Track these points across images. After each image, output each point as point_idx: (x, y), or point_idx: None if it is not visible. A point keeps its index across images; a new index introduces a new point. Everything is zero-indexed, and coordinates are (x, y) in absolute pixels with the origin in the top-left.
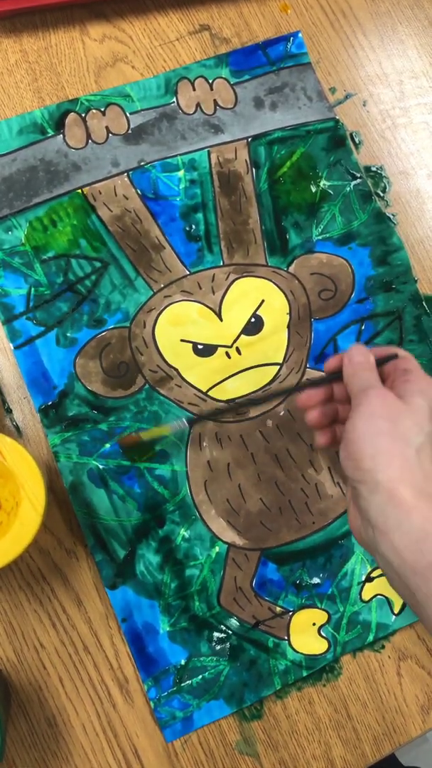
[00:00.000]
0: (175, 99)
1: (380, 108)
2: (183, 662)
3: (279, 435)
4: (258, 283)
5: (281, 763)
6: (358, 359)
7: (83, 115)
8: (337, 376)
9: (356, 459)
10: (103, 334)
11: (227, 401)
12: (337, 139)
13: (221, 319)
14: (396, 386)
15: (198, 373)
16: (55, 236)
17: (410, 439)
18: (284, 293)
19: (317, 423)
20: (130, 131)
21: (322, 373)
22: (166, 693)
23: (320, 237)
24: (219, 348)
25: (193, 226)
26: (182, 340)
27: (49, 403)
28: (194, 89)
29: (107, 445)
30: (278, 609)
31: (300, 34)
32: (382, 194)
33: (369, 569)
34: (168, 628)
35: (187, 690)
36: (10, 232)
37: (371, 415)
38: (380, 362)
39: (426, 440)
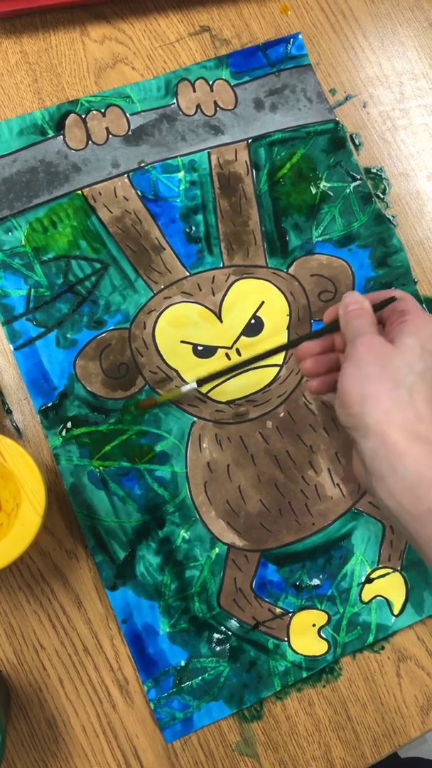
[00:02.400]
0: (175, 100)
1: (380, 109)
2: (183, 663)
3: (279, 436)
4: (258, 284)
5: (281, 763)
6: (352, 307)
7: (83, 116)
8: (336, 326)
9: (346, 405)
10: (103, 335)
11: (227, 402)
12: (337, 141)
13: (221, 321)
14: (392, 329)
15: (198, 374)
16: (55, 237)
17: (399, 379)
18: (284, 294)
19: (310, 371)
20: (130, 132)
21: None
22: (166, 694)
23: (320, 238)
24: (219, 349)
25: (193, 228)
26: (182, 342)
27: (49, 404)
28: (194, 90)
29: (107, 447)
30: (278, 610)
31: (300, 36)
32: (382, 196)
33: (369, 570)
34: (168, 629)
35: (187, 691)
36: (10, 233)
37: (359, 360)
38: (378, 307)
39: (418, 379)
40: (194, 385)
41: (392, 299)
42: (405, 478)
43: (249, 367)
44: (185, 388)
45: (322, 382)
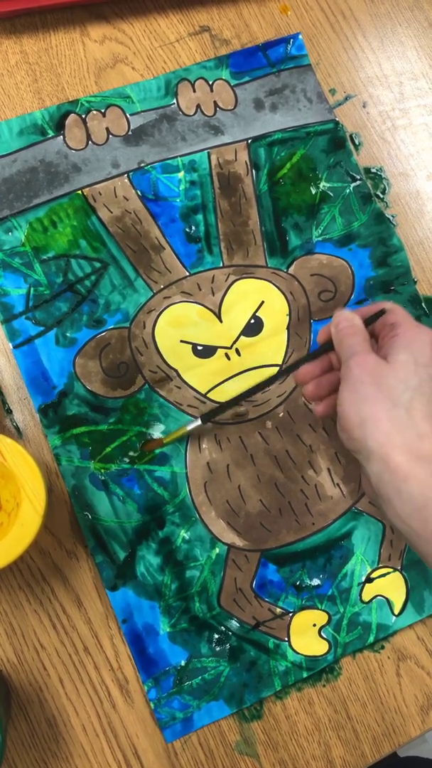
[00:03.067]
0: (175, 100)
1: (380, 109)
2: (183, 663)
3: (278, 436)
4: (258, 284)
5: (281, 763)
6: (343, 325)
7: (83, 116)
8: (330, 345)
9: (347, 429)
10: (103, 334)
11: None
12: (337, 141)
13: (221, 321)
14: (384, 344)
15: (197, 374)
16: (55, 237)
17: (396, 398)
18: (284, 294)
19: (312, 395)
20: (130, 132)
21: None
22: (166, 694)
23: (320, 238)
24: (219, 349)
25: (193, 227)
26: (182, 341)
27: (49, 402)
28: (194, 91)
29: (108, 449)
30: (278, 610)
31: (300, 36)
32: (381, 195)
33: (369, 570)
34: (168, 629)
35: (188, 691)
36: (10, 233)
37: (354, 383)
38: (369, 321)
39: (414, 395)
40: (198, 422)
41: (382, 312)
42: (410, 501)
43: (248, 369)
44: (190, 426)
45: (328, 405)
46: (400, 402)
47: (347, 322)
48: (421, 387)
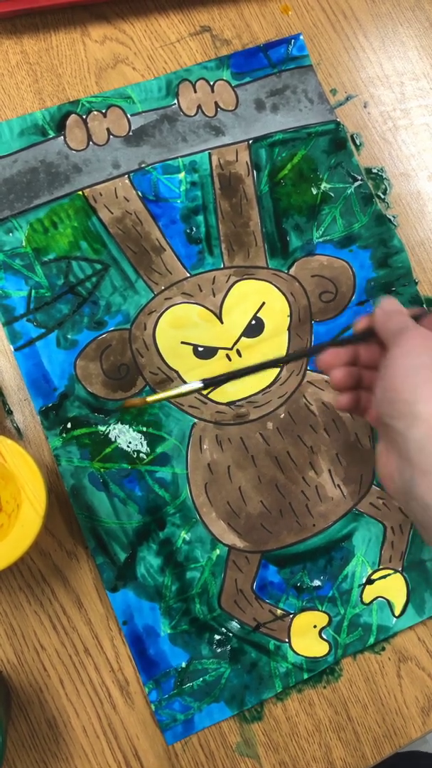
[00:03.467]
0: (176, 101)
1: (381, 110)
2: (184, 665)
3: (279, 437)
4: (258, 285)
5: (281, 764)
6: (391, 307)
7: (84, 116)
8: (366, 335)
9: (395, 391)
10: (104, 336)
11: (227, 403)
12: (338, 142)
13: (222, 322)
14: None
15: (198, 375)
16: (56, 238)
17: None
18: (285, 295)
19: (342, 382)
20: (131, 133)
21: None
22: (167, 695)
23: (321, 239)
24: (219, 350)
25: (194, 229)
26: (183, 343)
27: (50, 404)
28: (195, 91)
29: (108, 449)
30: (279, 611)
31: (301, 36)
32: (382, 196)
33: (369, 572)
34: (169, 631)
35: (188, 692)
36: (10, 234)
37: (411, 349)
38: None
39: None
40: (199, 384)
41: (424, 312)
42: None
43: (247, 368)
44: (185, 388)
45: (352, 399)
46: None
47: (396, 306)
48: None
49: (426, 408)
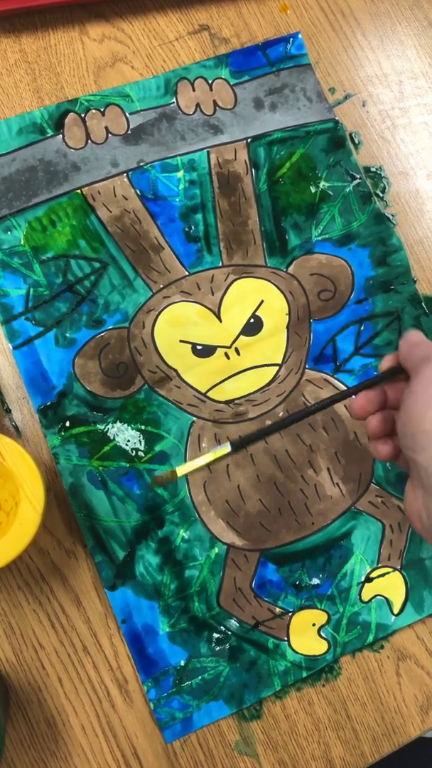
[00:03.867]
0: (174, 99)
1: (379, 108)
2: (183, 663)
3: (278, 436)
4: (257, 283)
5: (280, 763)
6: (415, 339)
7: (83, 115)
8: (393, 371)
9: (415, 422)
10: (102, 334)
11: (226, 402)
12: (336, 140)
13: (220, 320)
14: None
15: (197, 373)
16: (55, 236)
17: None
18: (283, 294)
19: (379, 431)
20: (129, 131)
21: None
22: (165, 694)
23: (320, 238)
24: (218, 349)
25: (193, 227)
26: (181, 341)
27: (48, 403)
28: (194, 90)
29: (106, 447)
30: (278, 610)
31: (300, 35)
32: (381, 195)
33: (368, 570)
34: (168, 629)
35: (187, 691)
36: (9, 233)
37: (429, 379)
38: None
39: None
40: (228, 447)
41: None
42: None
43: (248, 368)
44: (217, 448)
45: (394, 447)
46: None
47: (420, 336)
48: None
49: None
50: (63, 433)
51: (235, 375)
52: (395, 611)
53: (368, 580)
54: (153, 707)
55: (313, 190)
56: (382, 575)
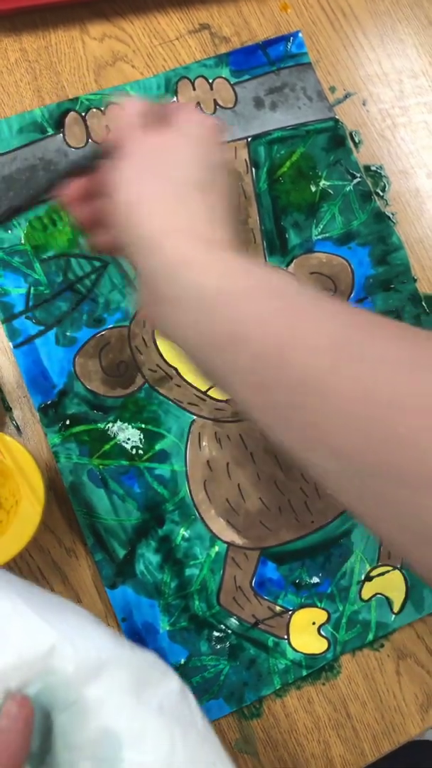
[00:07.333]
0: (175, 98)
1: (380, 107)
2: (183, 661)
3: None
4: None
5: (280, 761)
6: (130, 108)
7: (83, 114)
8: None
9: (120, 213)
10: (103, 333)
11: (227, 400)
12: (336, 139)
13: None
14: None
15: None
16: (55, 235)
17: (176, 181)
18: None
19: (90, 221)
20: None
21: None
22: None
23: (320, 237)
24: None
25: None
26: None
27: (49, 402)
28: (194, 89)
29: (107, 446)
30: (278, 608)
31: (300, 34)
32: (381, 193)
33: (368, 568)
34: (168, 628)
35: None
36: (9, 231)
37: (131, 160)
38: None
39: (195, 182)
40: None
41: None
42: (197, 294)
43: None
44: None
45: (111, 236)
46: (180, 185)
47: (134, 107)
48: (200, 176)
49: (152, 227)
50: (63, 432)
51: None
52: (395, 610)
53: (368, 578)
54: None
55: (313, 188)
56: (382, 574)
